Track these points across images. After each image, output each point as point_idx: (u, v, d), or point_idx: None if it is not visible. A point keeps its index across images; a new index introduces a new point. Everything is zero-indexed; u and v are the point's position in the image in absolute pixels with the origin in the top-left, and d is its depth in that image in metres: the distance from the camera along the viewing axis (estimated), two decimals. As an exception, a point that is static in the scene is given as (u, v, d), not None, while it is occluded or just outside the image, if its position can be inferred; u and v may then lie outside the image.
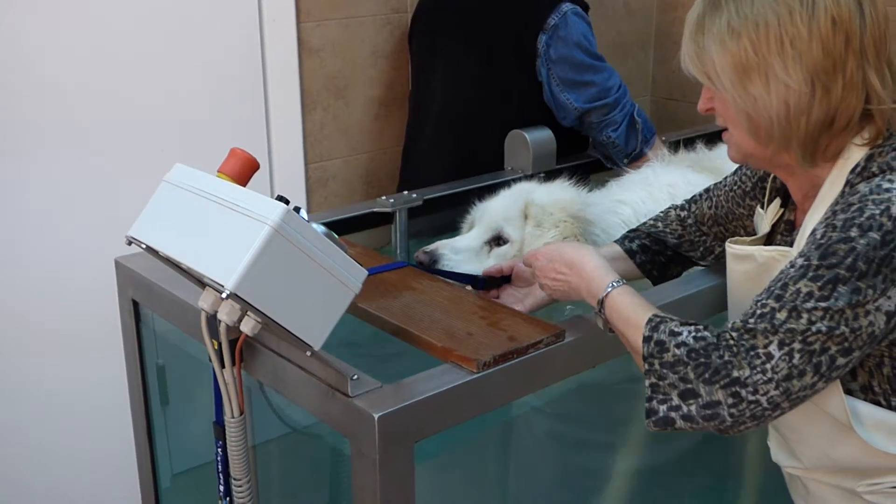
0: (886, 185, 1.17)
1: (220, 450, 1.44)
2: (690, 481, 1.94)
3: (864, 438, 1.23)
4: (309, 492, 1.69)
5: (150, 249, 1.25)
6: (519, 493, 1.71)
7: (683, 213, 1.67)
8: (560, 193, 1.78)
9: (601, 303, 1.33)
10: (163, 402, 1.82)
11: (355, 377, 1.22)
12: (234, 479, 1.37)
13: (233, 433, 1.33)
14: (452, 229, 2.03)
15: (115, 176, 2.24)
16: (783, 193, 1.42)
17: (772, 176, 1.47)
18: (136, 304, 1.72)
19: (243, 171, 1.25)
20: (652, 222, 1.70)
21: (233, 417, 1.33)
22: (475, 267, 1.69)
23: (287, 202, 1.13)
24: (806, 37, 1.19)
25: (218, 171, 1.25)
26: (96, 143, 2.22)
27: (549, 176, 2.07)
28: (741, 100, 1.25)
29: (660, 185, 1.84)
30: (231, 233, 1.12)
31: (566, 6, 2.20)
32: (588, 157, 2.41)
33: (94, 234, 2.21)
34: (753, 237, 1.44)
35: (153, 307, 1.66)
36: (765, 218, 1.45)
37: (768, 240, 1.43)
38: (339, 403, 1.23)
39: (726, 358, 1.15)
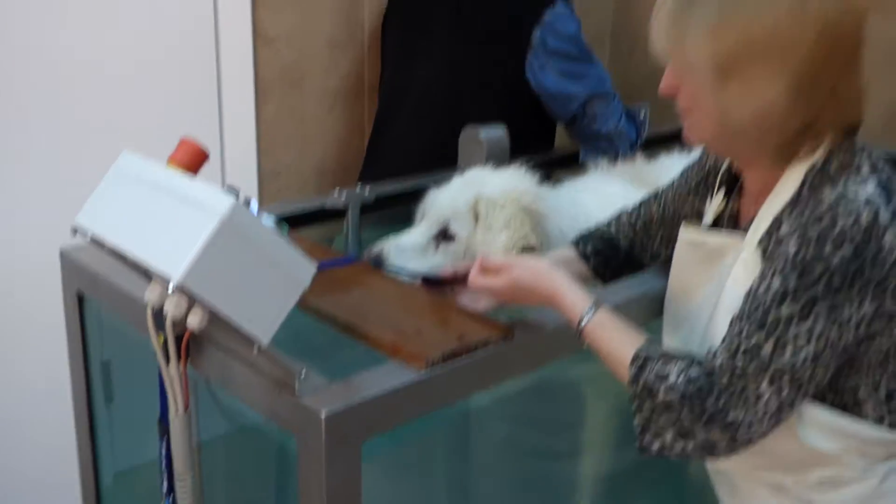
0: (851, 192, 1.18)
1: (164, 446, 1.42)
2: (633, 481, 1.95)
3: (801, 435, 1.26)
4: (255, 490, 1.67)
5: (95, 239, 1.22)
6: (467, 494, 1.70)
7: (633, 218, 1.68)
8: (513, 182, 1.74)
9: (578, 333, 1.32)
10: (107, 399, 1.78)
11: (303, 374, 1.20)
12: (178, 476, 1.34)
13: (177, 429, 1.31)
14: (406, 220, 2.03)
15: (63, 165, 2.19)
16: (728, 186, 1.43)
17: (722, 169, 1.47)
18: (81, 297, 1.68)
19: (193, 160, 1.23)
20: (605, 227, 1.71)
21: (176, 413, 1.30)
22: (422, 264, 1.67)
23: (237, 193, 1.11)
24: (792, 49, 1.16)
25: (168, 161, 1.23)
26: (43, 130, 2.17)
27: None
28: (716, 102, 1.22)
29: (605, 194, 1.83)
30: (179, 224, 1.09)
31: (560, 6, 2.27)
32: (549, 155, 2.42)
33: (39, 223, 2.16)
34: (700, 226, 1.45)
35: (99, 299, 1.63)
36: (709, 209, 1.45)
37: (713, 229, 1.43)
38: (285, 401, 1.21)
39: (721, 404, 1.18)
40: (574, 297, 1.33)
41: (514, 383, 1.43)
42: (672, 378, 1.20)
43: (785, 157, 1.25)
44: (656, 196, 1.65)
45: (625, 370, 1.24)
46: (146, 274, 1.27)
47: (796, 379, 1.16)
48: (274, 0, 2.40)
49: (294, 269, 1.15)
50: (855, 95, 1.22)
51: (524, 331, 1.39)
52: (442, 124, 2.32)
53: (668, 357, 1.23)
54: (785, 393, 1.17)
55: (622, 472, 1.87)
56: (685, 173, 1.59)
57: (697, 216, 1.51)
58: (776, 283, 1.18)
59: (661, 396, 1.20)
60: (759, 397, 1.17)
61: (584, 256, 1.66)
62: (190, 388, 1.34)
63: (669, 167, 1.97)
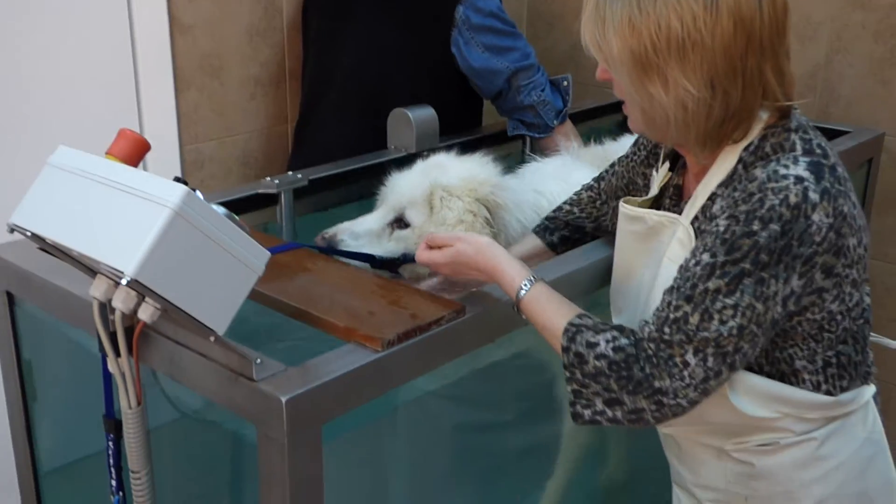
0: (783, 170, 1.21)
1: (111, 443, 1.39)
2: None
3: (735, 404, 1.30)
4: (205, 479, 1.65)
5: (35, 237, 1.19)
6: (418, 478, 1.71)
7: (593, 193, 1.71)
8: (473, 172, 1.73)
9: (515, 306, 1.35)
10: (30, 398, 1.74)
11: (259, 361, 1.20)
12: (133, 472, 1.32)
13: (130, 424, 1.29)
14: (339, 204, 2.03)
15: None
16: (673, 159, 1.46)
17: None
18: (10, 296, 1.63)
19: (134, 152, 1.21)
20: (568, 208, 1.72)
21: (130, 408, 1.28)
22: (375, 250, 1.66)
23: (185, 183, 1.09)
24: (709, 43, 1.18)
25: (107, 153, 1.20)
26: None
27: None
28: (638, 94, 1.25)
29: (572, 182, 1.84)
30: (128, 217, 1.07)
31: None
32: (478, 133, 2.44)
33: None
34: (643, 198, 1.48)
35: (31, 298, 1.58)
36: (655, 180, 1.48)
37: (657, 201, 1.47)
38: (243, 388, 1.20)
39: (647, 371, 1.21)
40: (512, 271, 1.36)
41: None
42: (601, 346, 1.23)
43: (712, 144, 1.28)
44: (612, 167, 1.68)
45: (558, 341, 1.27)
46: (89, 269, 1.24)
47: (721, 349, 1.20)
48: (190, -13, 2.35)
49: (248, 256, 1.14)
50: (780, 80, 1.25)
51: (475, 306, 1.40)
52: (369, 107, 2.32)
53: (599, 327, 1.26)
54: (710, 363, 1.20)
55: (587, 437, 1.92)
56: (637, 143, 1.62)
57: (648, 186, 1.54)
58: (705, 257, 1.21)
59: (590, 364, 1.23)
60: (685, 366, 1.20)
61: (552, 246, 1.69)
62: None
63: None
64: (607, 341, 1.23)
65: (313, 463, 1.21)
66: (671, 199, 1.44)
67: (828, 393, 1.32)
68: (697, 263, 1.22)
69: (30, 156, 1.28)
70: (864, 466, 1.37)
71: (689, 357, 1.20)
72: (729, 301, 1.18)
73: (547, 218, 1.74)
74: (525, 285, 1.33)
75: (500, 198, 1.70)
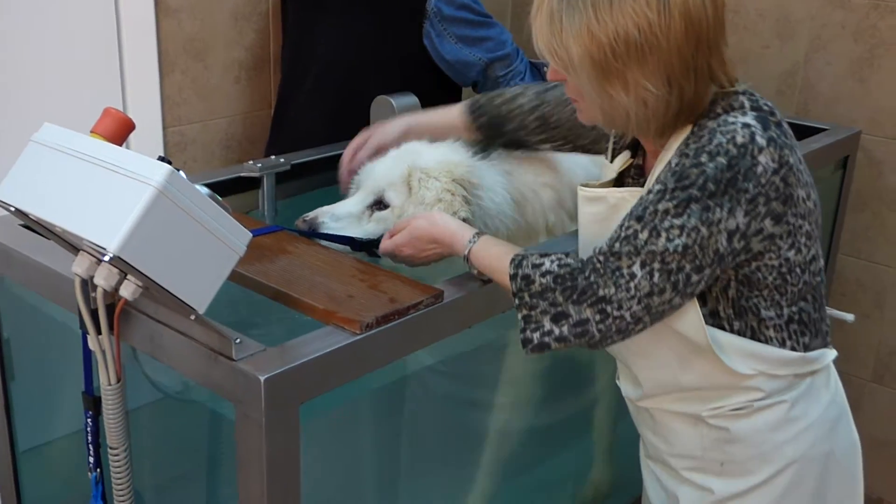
0: (731, 119, 1.29)
1: (89, 420, 1.41)
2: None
3: (720, 356, 1.34)
4: (182, 459, 1.67)
5: (19, 212, 1.20)
6: (407, 452, 1.73)
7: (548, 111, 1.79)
8: (448, 156, 1.76)
9: (467, 260, 1.43)
10: (8, 377, 1.75)
11: (238, 340, 1.21)
12: (111, 449, 1.34)
13: (110, 401, 1.30)
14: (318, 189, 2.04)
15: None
16: (632, 146, 1.49)
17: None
18: (-11, 273, 1.64)
19: (119, 131, 1.22)
20: (507, 101, 1.82)
21: (109, 385, 1.29)
22: (355, 232, 1.68)
23: (169, 162, 1.11)
24: (664, 45, 1.24)
25: (91, 132, 1.21)
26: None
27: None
28: (598, 97, 1.30)
29: (541, 158, 1.86)
30: (112, 194, 1.08)
31: None
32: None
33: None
34: (602, 182, 1.49)
35: (12, 275, 1.59)
36: (611, 168, 1.51)
37: (618, 184, 1.50)
38: (222, 367, 1.22)
39: (592, 279, 1.26)
40: (462, 231, 1.45)
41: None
42: (546, 264, 1.30)
43: (669, 131, 1.34)
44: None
45: (506, 275, 1.33)
46: (72, 246, 1.25)
47: (666, 265, 1.24)
48: (176, -31, 2.35)
49: (229, 236, 1.15)
50: (724, 69, 1.32)
51: (454, 292, 1.42)
52: (344, 98, 2.33)
53: (545, 252, 1.33)
54: (656, 278, 1.24)
55: (553, 421, 1.94)
56: None
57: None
58: (657, 187, 1.28)
59: (536, 283, 1.29)
60: (631, 277, 1.25)
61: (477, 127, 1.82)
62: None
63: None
64: (552, 261, 1.30)
65: (291, 441, 1.23)
66: (633, 178, 1.48)
67: (793, 348, 1.38)
68: (650, 192, 1.28)
69: (14, 134, 1.28)
70: (831, 427, 1.43)
71: (636, 269, 1.24)
72: (676, 221, 1.24)
73: (481, 99, 1.83)
74: (473, 238, 1.43)
75: (475, 177, 1.73)
